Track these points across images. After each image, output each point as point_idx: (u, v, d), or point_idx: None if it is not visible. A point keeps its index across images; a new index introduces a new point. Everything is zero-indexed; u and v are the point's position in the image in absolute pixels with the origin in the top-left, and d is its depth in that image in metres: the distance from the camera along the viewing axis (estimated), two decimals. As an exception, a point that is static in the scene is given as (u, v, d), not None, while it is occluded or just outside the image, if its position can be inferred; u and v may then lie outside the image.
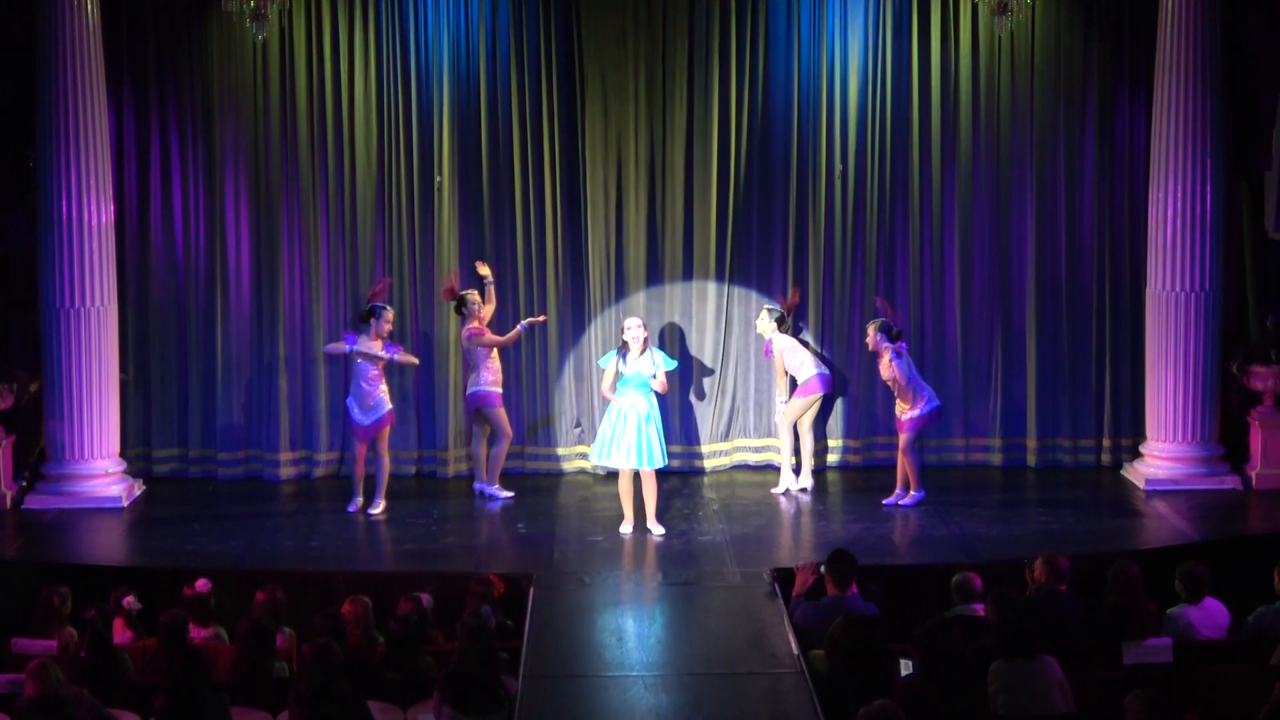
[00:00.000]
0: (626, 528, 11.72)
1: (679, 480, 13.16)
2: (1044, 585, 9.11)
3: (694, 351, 13.48)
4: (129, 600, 9.48)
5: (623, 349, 11.63)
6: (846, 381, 13.51)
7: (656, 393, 11.75)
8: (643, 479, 11.70)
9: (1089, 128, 13.36)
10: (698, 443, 13.58)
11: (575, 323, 13.51)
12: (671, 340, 13.38)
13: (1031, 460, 13.57)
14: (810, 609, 9.14)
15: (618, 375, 11.61)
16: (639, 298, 13.41)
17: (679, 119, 13.29)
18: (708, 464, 13.55)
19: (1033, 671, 7.62)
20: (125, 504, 12.46)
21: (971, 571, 9.14)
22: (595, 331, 13.46)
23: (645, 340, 11.63)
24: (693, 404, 13.55)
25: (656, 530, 11.68)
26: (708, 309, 13.48)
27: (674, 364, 11.94)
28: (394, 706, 7.96)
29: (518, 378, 13.42)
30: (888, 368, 12.21)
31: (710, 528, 11.86)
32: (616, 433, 11.59)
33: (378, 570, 11.05)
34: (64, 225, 12.13)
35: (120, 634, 9.35)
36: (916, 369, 12.50)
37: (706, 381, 13.53)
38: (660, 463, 11.73)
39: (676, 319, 13.47)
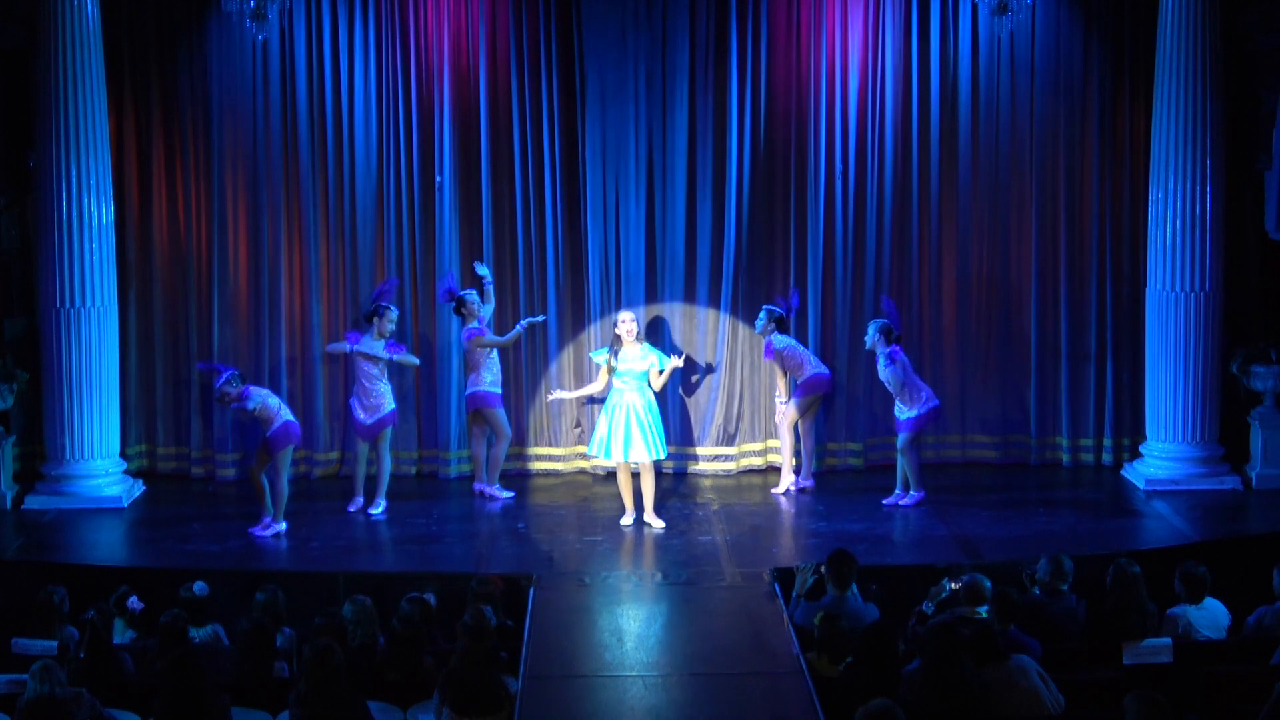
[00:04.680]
0: (627, 519, 11.80)
1: (680, 481, 13.16)
2: (1046, 585, 9.12)
3: (694, 353, 13.47)
4: (132, 600, 9.49)
5: (615, 343, 11.69)
6: (847, 382, 13.51)
7: (653, 389, 11.80)
8: (641, 472, 11.77)
9: (1089, 128, 13.36)
10: (699, 444, 13.58)
11: (575, 323, 13.51)
12: (672, 341, 13.37)
13: (1031, 459, 13.58)
14: (810, 609, 9.14)
15: (611, 370, 11.67)
16: (639, 298, 13.41)
17: (679, 119, 13.29)
18: (710, 466, 13.54)
19: (1007, 672, 7.62)
20: (125, 504, 12.47)
21: (977, 574, 9.12)
22: (595, 332, 13.45)
23: (637, 334, 11.72)
24: (694, 405, 13.55)
25: (656, 524, 11.70)
26: (708, 309, 13.47)
27: (665, 360, 11.96)
28: (394, 706, 7.97)
29: (518, 378, 13.42)
30: (881, 370, 12.23)
31: (710, 528, 11.85)
32: (614, 427, 11.65)
33: (378, 570, 11.05)
34: (64, 225, 12.14)
35: (122, 634, 9.35)
36: (914, 368, 12.50)
37: (707, 383, 13.53)
38: (659, 455, 11.79)
39: (676, 320, 13.46)
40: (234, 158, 13.21)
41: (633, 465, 11.84)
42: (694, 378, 13.44)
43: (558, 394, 12.64)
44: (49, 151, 12.12)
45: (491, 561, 11.12)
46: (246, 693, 7.93)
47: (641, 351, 11.76)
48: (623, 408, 11.67)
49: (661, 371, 11.91)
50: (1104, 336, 13.50)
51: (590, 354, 12.25)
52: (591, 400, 12.94)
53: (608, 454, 11.79)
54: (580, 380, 13.50)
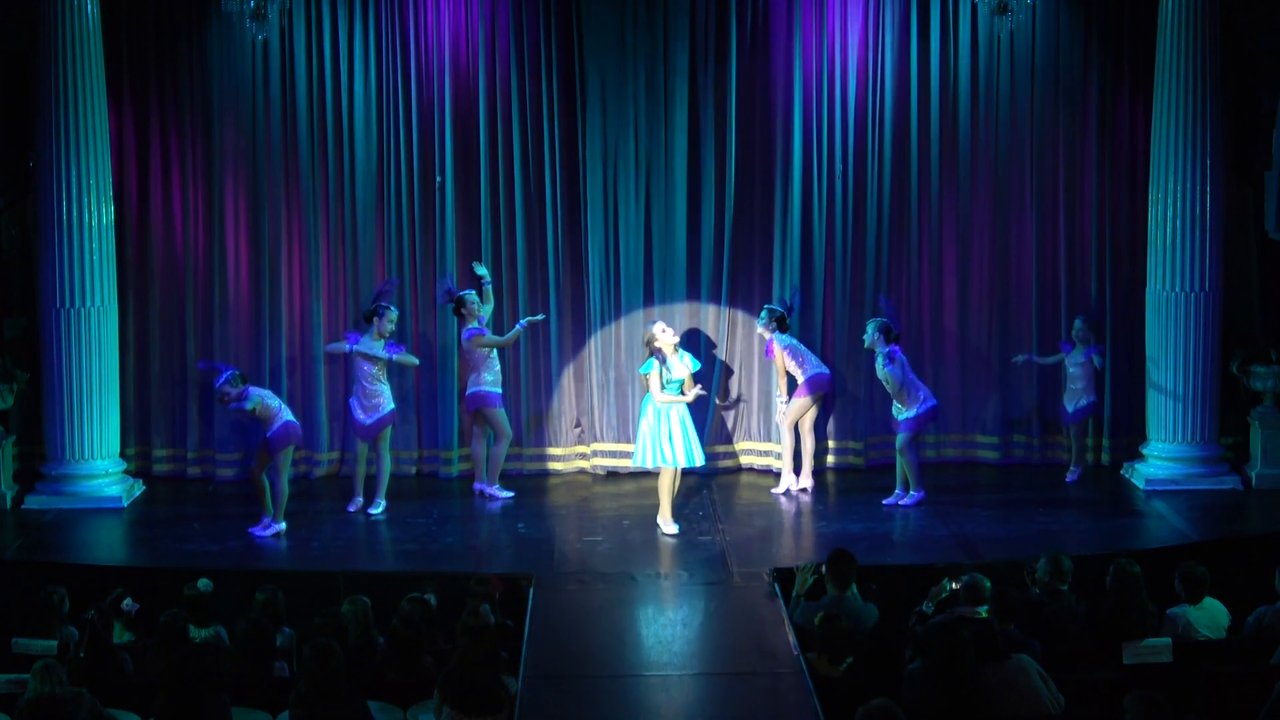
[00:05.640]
0: (675, 526, 11.65)
1: (680, 480, 13.13)
2: (1046, 585, 9.12)
3: (694, 352, 13.44)
4: (126, 603, 9.48)
5: (658, 354, 11.59)
6: (847, 381, 13.51)
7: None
8: (676, 478, 11.73)
9: (1089, 128, 13.36)
10: (700, 444, 13.54)
11: (575, 323, 13.51)
12: (711, 342, 13.38)
13: (1031, 459, 13.57)
14: (810, 609, 9.14)
15: (665, 383, 11.57)
16: (638, 298, 13.42)
17: (679, 119, 13.29)
18: (710, 466, 13.52)
19: (1007, 672, 7.62)
20: (125, 504, 12.47)
21: (978, 574, 9.12)
22: (595, 332, 13.46)
23: (675, 343, 11.70)
24: (694, 405, 13.50)
25: (669, 529, 11.65)
26: (708, 309, 13.48)
27: (699, 365, 11.98)
28: (394, 706, 7.96)
29: (518, 378, 13.42)
30: (880, 369, 12.24)
31: (710, 528, 11.85)
32: (667, 434, 11.51)
33: (378, 570, 11.05)
34: (64, 225, 12.14)
35: (119, 637, 9.34)
36: (913, 368, 12.51)
37: (707, 382, 13.51)
38: (702, 460, 11.86)
39: (677, 320, 13.45)
40: (234, 158, 13.21)
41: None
42: (704, 380, 13.40)
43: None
44: (49, 151, 12.12)
45: (491, 561, 11.13)
46: (246, 693, 7.93)
47: (681, 356, 11.72)
48: (673, 415, 11.55)
49: (694, 373, 11.88)
50: (1102, 336, 13.49)
51: (640, 370, 12.00)
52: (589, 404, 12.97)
53: (661, 460, 11.55)
54: (579, 380, 13.53)
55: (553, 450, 13.66)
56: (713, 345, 13.52)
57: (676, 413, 11.57)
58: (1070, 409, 12.99)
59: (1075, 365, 12.92)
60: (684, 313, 13.48)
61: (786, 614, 9.46)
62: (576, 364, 13.56)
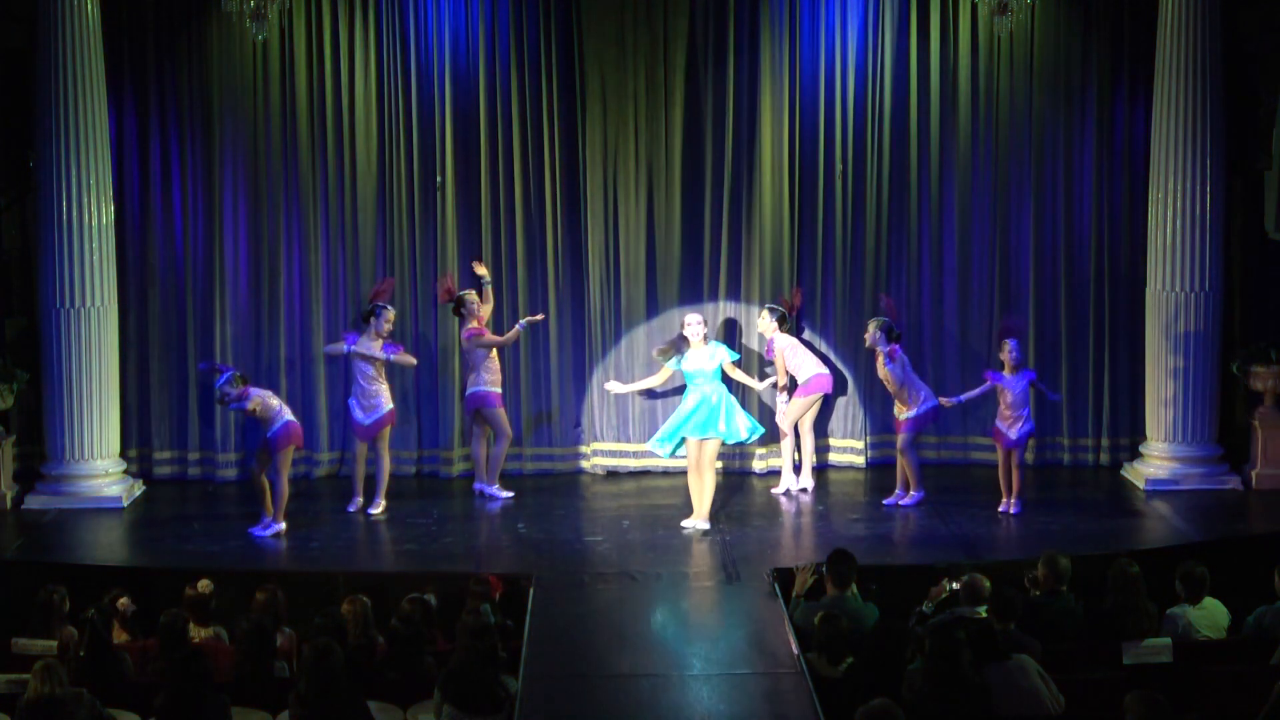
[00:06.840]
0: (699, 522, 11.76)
1: (680, 480, 13.13)
2: (1045, 585, 9.12)
3: (694, 351, 13.47)
4: (123, 602, 9.48)
5: (682, 344, 11.71)
6: (848, 381, 13.52)
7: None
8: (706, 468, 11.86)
9: (1089, 128, 13.37)
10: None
11: (575, 323, 13.51)
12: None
13: (1030, 459, 13.57)
14: (810, 609, 9.13)
15: (684, 373, 11.77)
16: (639, 298, 13.43)
17: (679, 119, 13.30)
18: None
19: (1007, 672, 7.62)
20: (125, 504, 12.46)
21: (977, 574, 9.13)
22: (595, 331, 13.47)
23: (705, 335, 11.79)
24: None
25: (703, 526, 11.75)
26: (708, 309, 13.46)
27: (737, 355, 12.06)
28: (394, 706, 7.97)
29: (518, 378, 13.42)
30: (881, 369, 12.25)
31: (711, 528, 11.83)
32: (729, 407, 11.72)
33: (378, 570, 11.05)
34: (64, 225, 12.13)
35: (116, 635, 9.34)
36: (914, 368, 12.50)
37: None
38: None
39: (676, 319, 13.44)
40: (234, 158, 13.21)
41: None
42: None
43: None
44: (49, 151, 12.12)
45: (491, 561, 11.12)
46: (246, 693, 7.94)
47: (711, 352, 11.77)
48: (713, 395, 11.66)
49: (736, 363, 12.10)
50: (1102, 336, 13.50)
51: (669, 364, 11.97)
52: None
53: (750, 431, 11.85)
54: (579, 380, 13.52)
55: (552, 450, 13.66)
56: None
57: (718, 394, 11.72)
58: (1013, 436, 12.21)
59: (1011, 391, 12.21)
60: (684, 313, 13.45)
61: (786, 614, 9.46)
62: (576, 364, 13.56)
